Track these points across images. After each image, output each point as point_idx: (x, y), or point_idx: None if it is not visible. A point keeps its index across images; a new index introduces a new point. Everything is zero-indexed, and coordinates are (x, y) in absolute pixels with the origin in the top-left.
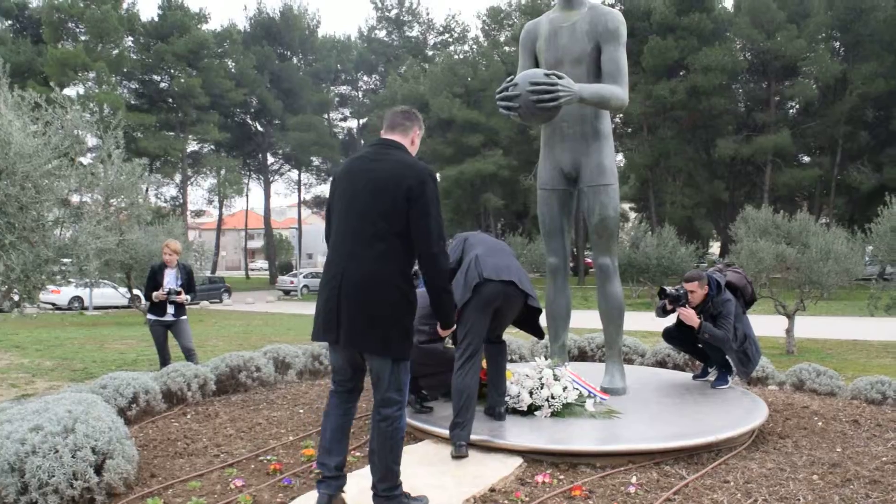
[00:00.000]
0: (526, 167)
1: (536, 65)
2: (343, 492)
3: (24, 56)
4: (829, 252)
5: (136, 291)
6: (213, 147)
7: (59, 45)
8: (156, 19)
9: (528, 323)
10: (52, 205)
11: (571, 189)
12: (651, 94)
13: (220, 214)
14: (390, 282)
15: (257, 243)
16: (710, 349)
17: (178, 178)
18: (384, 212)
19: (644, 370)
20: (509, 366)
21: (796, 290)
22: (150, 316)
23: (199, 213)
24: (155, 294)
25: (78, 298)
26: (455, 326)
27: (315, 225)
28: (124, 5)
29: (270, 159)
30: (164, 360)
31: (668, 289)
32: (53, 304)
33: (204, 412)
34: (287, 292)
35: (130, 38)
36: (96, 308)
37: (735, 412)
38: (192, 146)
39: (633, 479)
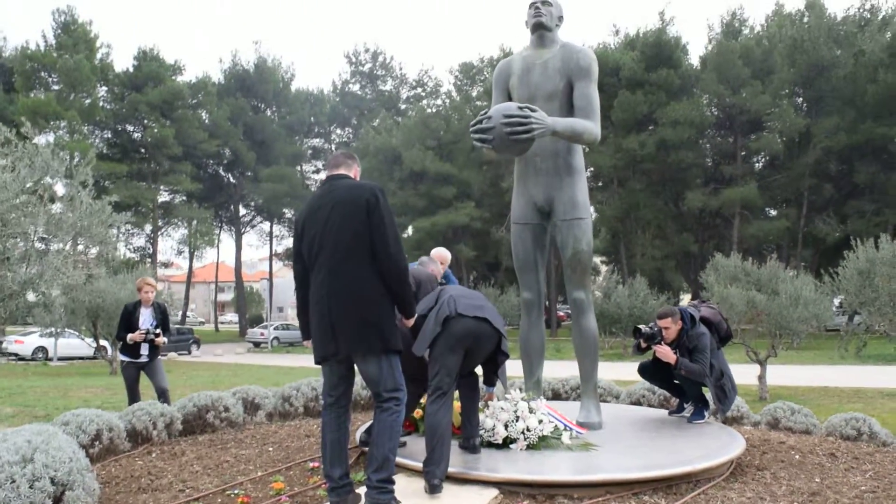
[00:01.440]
0: (498, 219)
1: (509, 101)
2: (354, 493)
3: None
4: (798, 298)
5: (102, 342)
6: (184, 198)
7: (31, 93)
8: (130, 70)
9: (490, 365)
10: (17, 240)
11: (545, 223)
12: (621, 147)
13: (191, 266)
14: (371, 288)
15: (227, 296)
16: (687, 383)
17: (148, 228)
18: (352, 228)
19: (619, 407)
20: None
21: (767, 339)
22: (122, 357)
23: (166, 264)
24: (130, 336)
25: (42, 349)
26: (415, 316)
27: (286, 278)
28: (98, 55)
29: (242, 211)
30: (134, 400)
31: (643, 327)
32: (17, 355)
33: (170, 451)
34: (257, 344)
35: (104, 87)
36: (61, 359)
37: (712, 444)
38: (164, 196)
39: None
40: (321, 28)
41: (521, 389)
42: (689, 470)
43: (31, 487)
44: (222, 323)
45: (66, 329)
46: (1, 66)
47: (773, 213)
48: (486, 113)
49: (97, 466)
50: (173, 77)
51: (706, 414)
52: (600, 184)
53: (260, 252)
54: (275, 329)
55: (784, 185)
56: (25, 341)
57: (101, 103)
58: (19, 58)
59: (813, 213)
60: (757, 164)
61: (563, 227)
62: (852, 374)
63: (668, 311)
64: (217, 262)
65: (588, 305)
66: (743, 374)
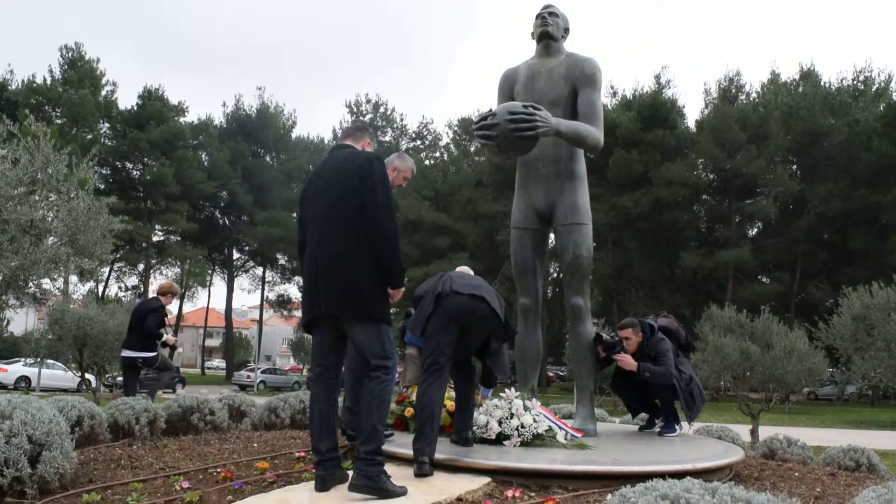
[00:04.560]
0: (492, 273)
1: None
2: (342, 468)
3: None
4: (792, 351)
5: (87, 376)
6: (178, 238)
7: (34, 126)
8: (134, 108)
9: (491, 356)
10: (13, 228)
11: (545, 229)
12: (615, 206)
13: (181, 308)
14: (361, 253)
15: (215, 342)
16: (661, 395)
17: (140, 266)
18: (345, 192)
19: (614, 425)
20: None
21: (760, 392)
22: (148, 354)
23: None
24: (172, 339)
25: (25, 378)
26: (402, 288)
27: (276, 326)
28: (103, 92)
29: (236, 255)
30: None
31: (604, 335)
32: None
33: (152, 444)
34: (243, 387)
35: (107, 124)
36: (43, 390)
37: (710, 451)
38: (158, 235)
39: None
40: (324, 77)
41: (514, 389)
42: (688, 468)
43: (6, 443)
44: (209, 368)
45: (50, 359)
46: (6, 99)
47: (767, 280)
48: (490, 111)
49: (76, 452)
50: (176, 117)
51: (678, 428)
52: (595, 243)
53: (250, 299)
54: (262, 372)
55: (778, 250)
56: (9, 370)
57: (102, 139)
58: (25, 91)
59: (806, 279)
60: (751, 230)
61: (563, 232)
62: (847, 436)
63: (629, 323)
64: (207, 307)
65: (586, 312)
66: (735, 430)
